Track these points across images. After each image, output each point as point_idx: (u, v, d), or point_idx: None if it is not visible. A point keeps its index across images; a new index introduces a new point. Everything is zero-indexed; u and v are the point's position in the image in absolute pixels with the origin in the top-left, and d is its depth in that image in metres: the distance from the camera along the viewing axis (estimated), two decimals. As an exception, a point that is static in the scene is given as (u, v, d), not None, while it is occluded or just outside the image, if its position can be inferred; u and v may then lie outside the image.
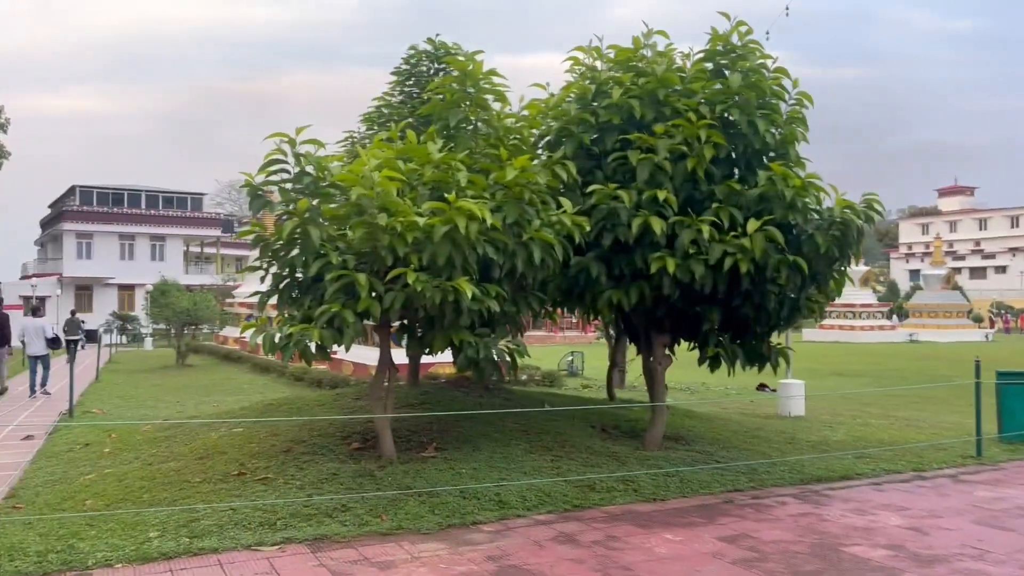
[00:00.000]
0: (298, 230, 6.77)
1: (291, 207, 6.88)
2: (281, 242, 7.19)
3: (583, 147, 8.39)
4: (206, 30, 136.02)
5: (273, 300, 7.68)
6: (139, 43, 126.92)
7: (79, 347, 25.91)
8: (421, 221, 6.41)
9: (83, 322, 27.48)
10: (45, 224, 62.71)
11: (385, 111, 9.86)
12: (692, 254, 7.59)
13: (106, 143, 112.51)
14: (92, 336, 18.86)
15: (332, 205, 6.96)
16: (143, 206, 58.67)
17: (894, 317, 54.91)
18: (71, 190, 57.53)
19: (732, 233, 7.61)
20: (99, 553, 5.58)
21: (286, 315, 7.42)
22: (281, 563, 5.52)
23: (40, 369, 16.34)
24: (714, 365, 8.69)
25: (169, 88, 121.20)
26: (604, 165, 8.41)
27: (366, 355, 18.39)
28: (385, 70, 10.42)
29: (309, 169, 7.13)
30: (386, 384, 7.59)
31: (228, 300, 30.76)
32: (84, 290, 54.95)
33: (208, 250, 64.43)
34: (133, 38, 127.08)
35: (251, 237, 7.48)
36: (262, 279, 7.85)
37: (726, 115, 8.25)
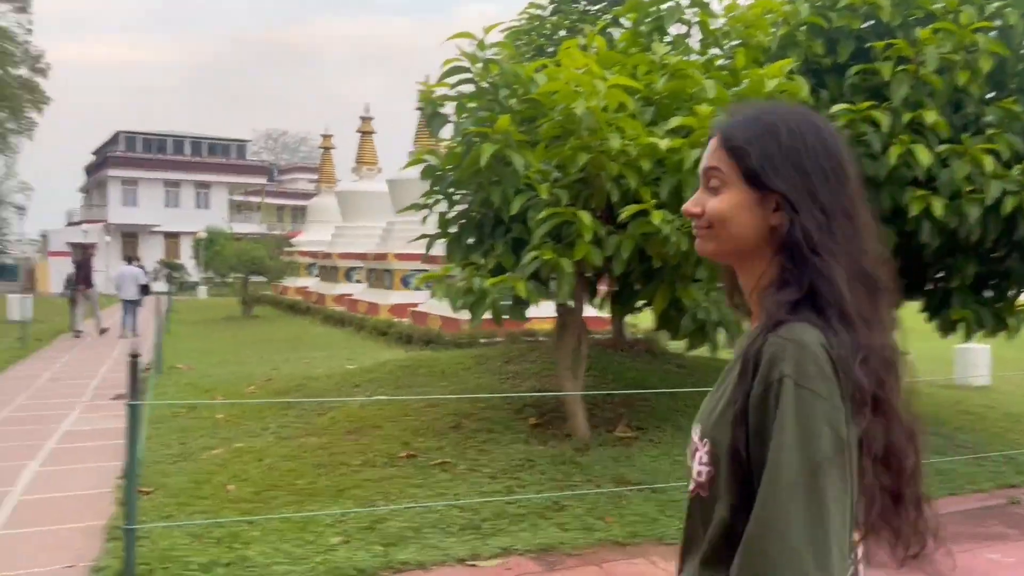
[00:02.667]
0: (481, 158, 5.34)
1: (480, 126, 5.44)
2: (453, 173, 5.78)
3: (807, 60, 6.82)
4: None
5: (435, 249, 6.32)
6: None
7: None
8: (663, 144, 4.93)
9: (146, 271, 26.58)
10: (90, 170, 62.03)
11: (542, 21, 8.29)
12: (965, 192, 6.06)
13: (141, 93, 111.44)
14: (146, 289, 18.79)
15: (537, 125, 5.50)
16: (187, 152, 57.65)
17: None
18: (115, 136, 56.61)
19: (1020, 167, 6.05)
20: (278, 567, 4.32)
21: (460, 266, 6.02)
22: (514, 586, 4.22)
23: (132, 312, 17.81)
24: (948, 329, 7.20)
25: (201, 38, 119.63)
26: (828, 82, 6.86)
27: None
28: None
29: (486, 78, 5.67)
30: (579, 349, 6.21)
31: (287, 249, 29.60)
32: (130, 237, 54.23)
33: (252, 198, 63.41)
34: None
35: (416, 168, 6.08)
36: (424, 219, 6.47)
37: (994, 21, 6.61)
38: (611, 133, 4.95)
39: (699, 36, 6.37)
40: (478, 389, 7.38)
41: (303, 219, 67.39)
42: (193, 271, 48.39)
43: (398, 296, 20.59)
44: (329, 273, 25.73)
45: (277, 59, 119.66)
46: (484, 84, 5.57)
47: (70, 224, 58.41)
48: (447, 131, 5.80)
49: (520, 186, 5.34)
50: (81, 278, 17.57)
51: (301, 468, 5.92)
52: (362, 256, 22.89)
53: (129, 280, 17.93)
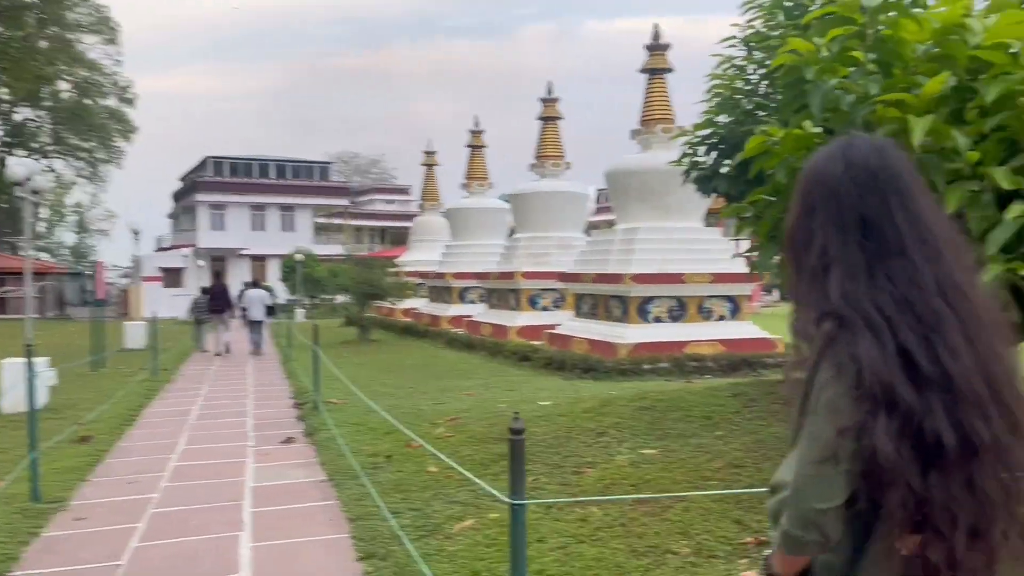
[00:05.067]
0: (913, 135, 3.85)
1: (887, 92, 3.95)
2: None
3: None
4: (307, 7, 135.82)
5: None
6: (245, 23, 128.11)
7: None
8: None
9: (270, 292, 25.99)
10: (178, 196, 62.91)
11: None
12: None
13: (217, 122, 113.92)
14: (271, 311, 19.92)
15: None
16: (273, 176, 57.89)
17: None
18: (204, 162, 57.19)
19: None
20: None
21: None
22: None
23: (259, 332, 19.09)
24: None
25: (275, 66, 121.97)
26: None
27: (599, 330, 15.58)
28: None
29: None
30: None
31: (391, 269, 28.64)
32: (218, 261, 54.50)
33: (335, 220, 63.36)
34: (239, 18, 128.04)
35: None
36: (737, 229, 5.00)
37: None
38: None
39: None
40: (778, 442, 5.86)
41: (382, 240, 67.41)
42: (282, 293, 48.36)
43: (527, 317, 19.24)
44: (441, 293, 24.61)
45: (348, 84, 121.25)
46: (871, 39, 4.10)
47: (159, 249, 59.19)
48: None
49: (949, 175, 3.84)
50: (219, 304, 18.97)
51: (612, 557, 4.47)
52: (481, 275, 21.67)
53: (257, 302, 19.18)
